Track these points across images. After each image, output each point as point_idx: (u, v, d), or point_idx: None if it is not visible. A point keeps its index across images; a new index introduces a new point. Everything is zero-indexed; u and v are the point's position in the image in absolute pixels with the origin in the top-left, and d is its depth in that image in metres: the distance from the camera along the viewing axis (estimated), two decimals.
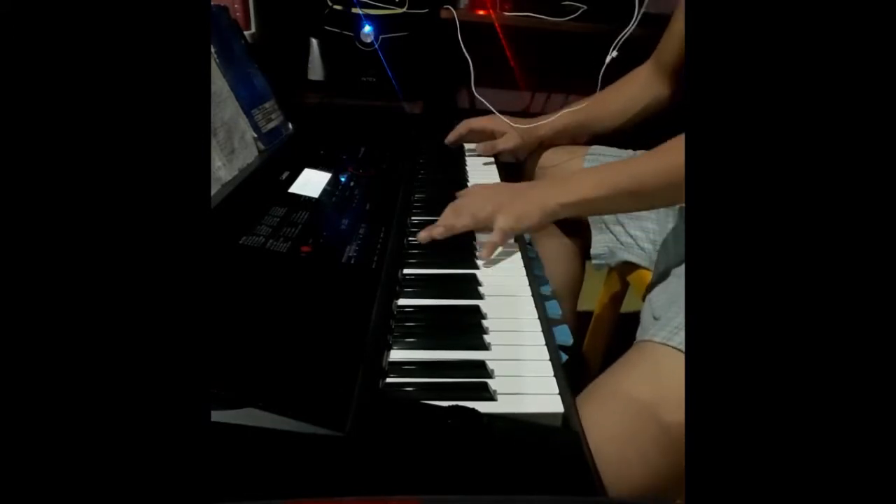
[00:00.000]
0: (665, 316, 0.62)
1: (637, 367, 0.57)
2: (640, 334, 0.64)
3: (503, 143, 1.00)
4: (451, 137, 1.04)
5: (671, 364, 0.55)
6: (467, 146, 1.05)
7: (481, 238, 0.70)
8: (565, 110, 1.00)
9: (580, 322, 1.20)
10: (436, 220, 0.71)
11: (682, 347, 0.55)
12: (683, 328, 0.57)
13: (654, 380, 0.54)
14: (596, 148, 0.96)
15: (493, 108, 1.00)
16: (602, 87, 1.00)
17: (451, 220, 0.70)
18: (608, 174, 0.70)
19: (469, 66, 1.05)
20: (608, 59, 0.92)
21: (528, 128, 0.99)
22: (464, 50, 1.07)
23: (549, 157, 1.00)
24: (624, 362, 0.58)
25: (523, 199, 0.70)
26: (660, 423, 0.51)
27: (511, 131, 0.99)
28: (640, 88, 0.95)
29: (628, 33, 0.89)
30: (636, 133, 0.98)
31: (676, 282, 0.72)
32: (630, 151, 0.95)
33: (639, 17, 0.88)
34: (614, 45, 0.91)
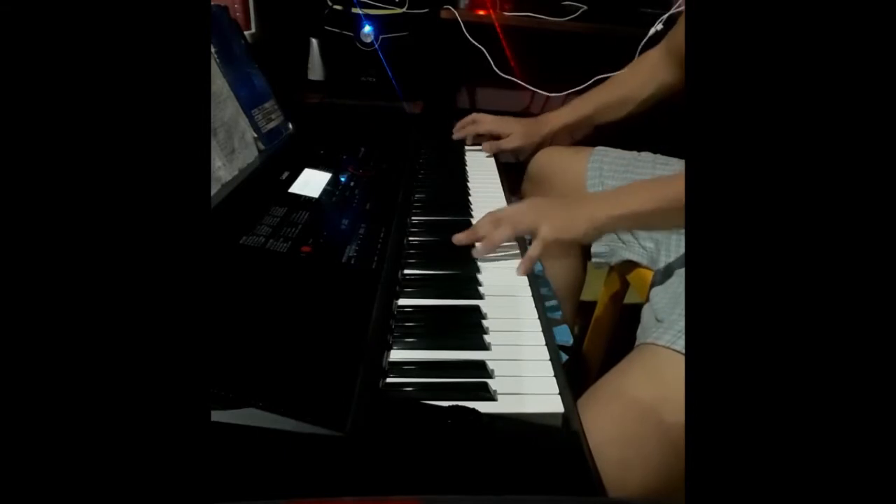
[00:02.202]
0: (668, 319, 0.62)
1: (640, 369, 0.57)
2: (641, 335, 0.63)
3: (507, 143, 1.00)
4: (458, 134, 1.04)
5: (675, 368, 0.55)
6: (467, 146, 1.06)
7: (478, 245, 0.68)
8: (569, 106, 0.99)
9: (581, 318, 1.20)
10: (435, 221, 0.71)
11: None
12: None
13: (657, 383, 0.54)
14: (600, 149, 0.96)
15: (519, 81, 1.00)
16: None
17: (489, 231, 0.66)
18: (662, 187, 0.67)
19: (485, 57, 1.05)
20: (652, 31, 0.91)
21: (533, 127, 0.99)
22: (472, 40, 1.07)
23: (550, 157, 1.00)
24: (627, 364, 0.58)
25: (569, 210, 0.67)
26: (662, 426, 0.51)
27: (515, 131, 0.99)
28: (647, 74, 0.94)
29: (679, 8, 0.88)
30: (641, 132, 0.97)
31: (679, 282, 0.72)
32: (635, 153, 0.95)
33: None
34: (660, 20, 0.90)
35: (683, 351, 0.55)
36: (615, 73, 0.97)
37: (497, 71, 1.01)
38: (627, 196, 0.68)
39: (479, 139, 1.04)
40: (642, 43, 0.94)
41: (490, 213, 0.70)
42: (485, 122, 1.03)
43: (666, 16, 0.94)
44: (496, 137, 1.01)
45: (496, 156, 1.02)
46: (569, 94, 1.42)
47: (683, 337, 0.56)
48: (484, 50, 1.06)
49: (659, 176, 0.83)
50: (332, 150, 0.88)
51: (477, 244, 0.67)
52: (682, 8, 0.93)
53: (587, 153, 0.96)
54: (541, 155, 1.02)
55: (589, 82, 1.16)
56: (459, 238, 0.68)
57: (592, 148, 0.97)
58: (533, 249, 0.65)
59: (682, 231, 0.83)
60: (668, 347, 0.56)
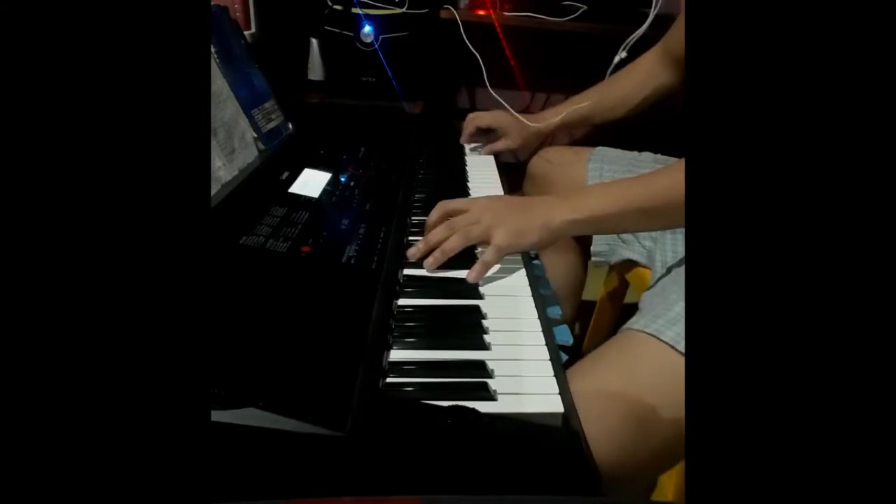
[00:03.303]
0: (648, 307, 0.63)
1: (612, 353, 0.59)
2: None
3: (502, 144, 0.99)
4: (465, 139, 1.04)
5: (643, 349, 0.57)
6: (467, 146, 1.06)
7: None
8: (567, 104, 0.99)
9: (581, 318, 1.21)
10: None
11: (656, 333, 0.57)
12: (661, 316, 0.59)
13: (626, 365, 0.56)
14: (601, 149, 0.96)
15: (504, 104, 1.00)
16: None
17: (441, 239, 0.64)
18: (621, 190, 0.66)
19: (479, 63, 1.06)
20: (616, 59, 0.92)
21: (530, 125, 0.99)
22: (470, 47, 1.07)
23: (551, 157, 1.00)
24: (602, 350, 0.60)
25: (525, 214, 0.65)
26: (630, 405, 0.53)
27: (514, 129, 0.99)
28: (644, 75, 0.94)
29: (639, 35, 0.88)
30: (641, 132, 0.97)
31: (670, 277, 0.72)
32: (635, 153, 0.95)
33: (651, 19, 0.87)
34: (624, 45, 0.90)
35: (655, 333, 0.57)
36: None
37: (488, 85, 1.01)
38: (587, 199, 0.66)
39: (478, 136, 1.04)
40: (609, 71, 0.94)
41: (442, 208, 0.67)
42: (482, 117, 1.02)
43: (630, 41, 0.93)
44: (494, 133, 1.01)
45: (496, 155, 1.02)
46: (567, 94, 1.42)
47: (656, 321, 0.58)
48: (479, 58, 1.05)
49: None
50: (332, 150, 0.88)
51: (427, 259, 0.64)
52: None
53: (587, 153, 0.96)
54: (541, 155, 1.02)
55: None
56: (413, 253, 0.65)
57: (593, 148, 0.97)
58: (487, 255, 0.63)
59: (667, 231, 0.84)
60: (641, 331, 0.58)
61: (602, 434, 0.50)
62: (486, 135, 1.03)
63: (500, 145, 1.00)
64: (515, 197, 0.73)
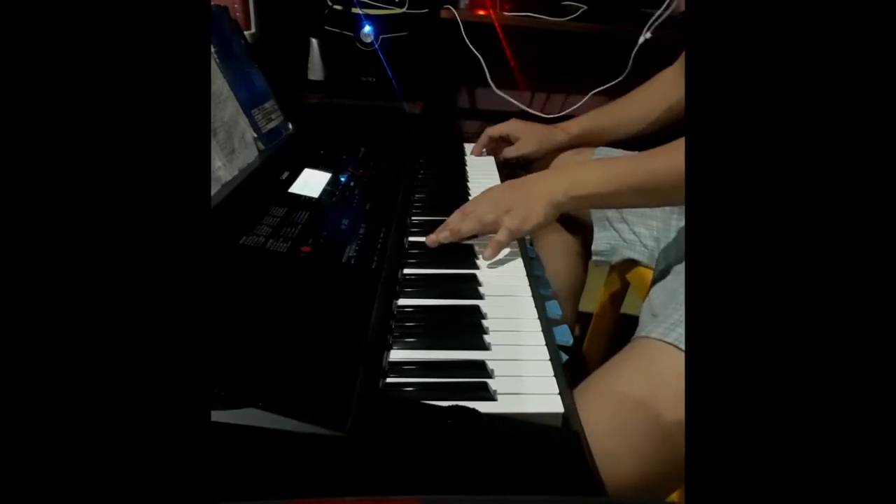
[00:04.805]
0: (663, 313, 0.62)
1: (633, 363, 0.57)
2: (638, 331, 0.64)
3: (517, 150, 0.98)
4: (476, 150, 1.03)
5: (666, 360, 0.55)
6: (466, 146, 1.05)
7: (481, 242, 0.69)
8: (587, 117, 0.99)
9: (580, 322, 1.21)
10: (436, 220, 0.71)
11: (679, 344, 0.55)
12: (680, 325, 0.57)
13: (649, 376, 0.55)
14: (602, 149, 0.96)
15: (515, 101, 0.99)
16: (632, 69, 0.95)
17: (457, 224, 0.68)
18: (621, 169, 0.69)
19: (480, 63, 1.05)
20: (641, 39, 0.91)
21: (547, 133, 0.98)
22: (471, 47, 1.07)
23: (557, 161, 1.00)
24: (620, 358, 0.59)
25: (529, 197, 0.69)
26: (653, 419, 0.51)
27: (527, 136, 0.98)
28: (666, 89, 0.92)
29: (665, 16, 0.87)
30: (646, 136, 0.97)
31: (675, 278, 0.72)
32: (636, 153, 0.94)
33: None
34: (648, 26, 0.90)
35: (675, 343, 0.55)
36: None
37: (492, 84, 1.01)
38: (587, 176, 0.69)
39: (490, 146, 1.03)
40: (633, 52, 0.93)
41: (460, 208, 0.71)
42: (496, 127, 1.01)
43: (654, 21, 0.92)
44: (508, 141, 1.00)
45: (497, 156, 1.02)
46: (567, 94, 1.42)
47: (675, 329, 0.57)
48: (481, 58, 1.05)
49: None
50: (332, 150, 0.88)
51: (440, 234, 0.68)
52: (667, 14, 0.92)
53: (589, 153, 0.96)
54: (546, 161, 1.01)
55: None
56: (431, 240, 0.69)
57: (594, 148, 0.97)
58: (500, 235, 0.66)
59: (671, 229, 0.83)
60: (661, 340, 0.56)
61: (624, 448, 0.50)
62: (497, 143, 1.02)
63: (514, 150, 0.98)
64: (520, 181, 0.74)
